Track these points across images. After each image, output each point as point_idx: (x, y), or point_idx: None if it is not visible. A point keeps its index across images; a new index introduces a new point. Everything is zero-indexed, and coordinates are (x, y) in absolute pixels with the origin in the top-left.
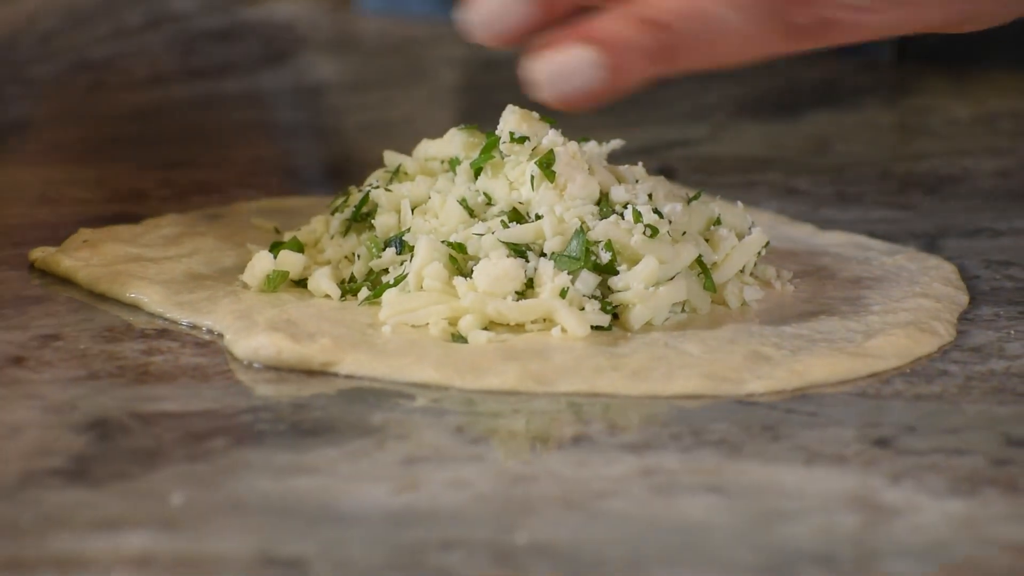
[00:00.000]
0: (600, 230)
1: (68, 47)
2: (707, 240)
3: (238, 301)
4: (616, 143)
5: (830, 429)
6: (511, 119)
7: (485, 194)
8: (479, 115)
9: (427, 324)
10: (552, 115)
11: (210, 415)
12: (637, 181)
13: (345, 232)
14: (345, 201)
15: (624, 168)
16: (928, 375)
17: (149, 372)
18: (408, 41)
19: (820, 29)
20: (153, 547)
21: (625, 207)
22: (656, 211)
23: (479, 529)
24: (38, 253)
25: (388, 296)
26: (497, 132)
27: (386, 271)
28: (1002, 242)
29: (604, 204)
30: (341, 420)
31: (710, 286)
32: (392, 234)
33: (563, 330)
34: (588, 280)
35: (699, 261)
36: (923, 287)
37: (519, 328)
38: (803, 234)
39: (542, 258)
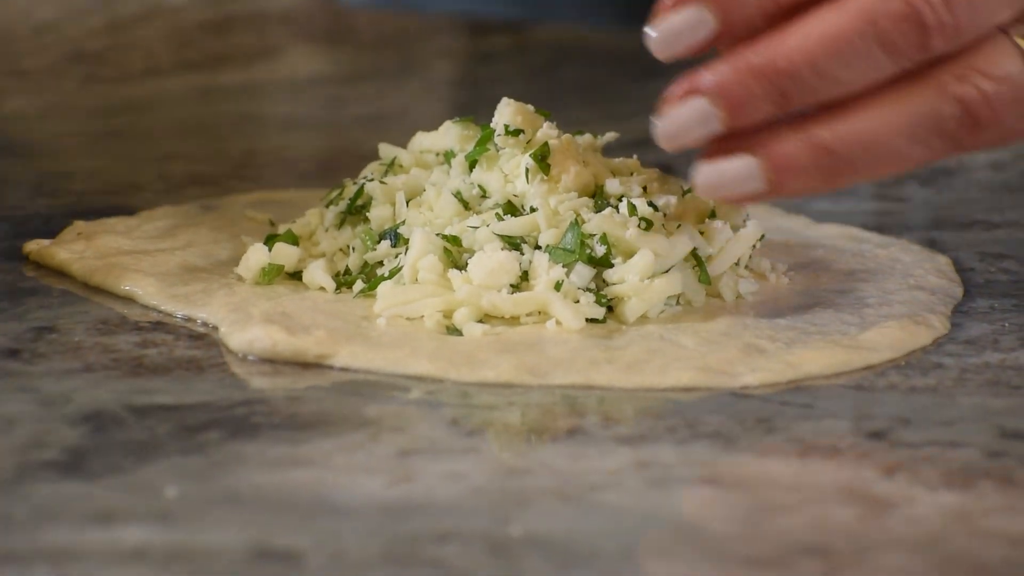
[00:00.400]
0: (595, 223)
1: (62, 39)
2: (702, 233)
3: (233, 294)
4: (611, 136)
5: (824, 422)
6: (506, 112)
7: (480, 187)
8: (473, 108)
9: (422, 317)
10: (547, 108)
11: (205, 408)
12: (632, 174)
13: (340, 225)
14: (340, 194)
15: (619, 161)
16: (923, 368)
17: (144, 365)
18: (402, 33)
19: (983, 144)
20: (148, 540)
21: (620, 200)
22: (651, 204)
23: (474, 521)
24: (33, 245)
25: (383, 289)
26: (492, 125)
27: (381, 264)
28: (997, 234)
29: (599, 197)
30: (336, 413)
31: (705, 279)
32: (387, 227)
33: (558, 323)
34: (583, 273)
35: (694, 254)
36: (917, 279)
37: (514, 321)
38: (798, 226)
39: (537, 251)
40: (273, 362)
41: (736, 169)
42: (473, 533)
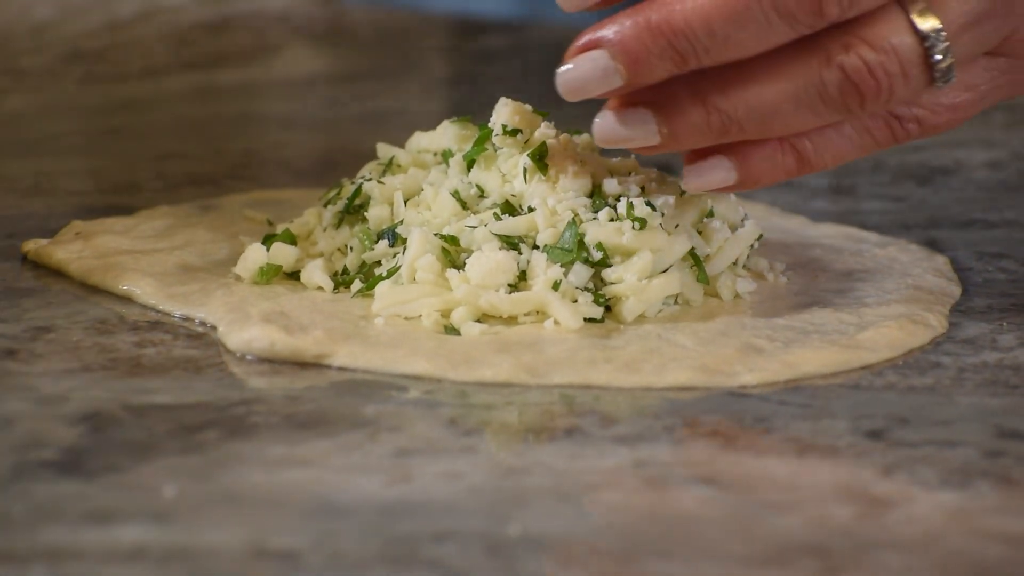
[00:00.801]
0: (591, 234)
1: (61, 38)
2: (700, 232)
3: (231, 293)
4: None
5: (822, 421)
6: (504, 111)
7: (478, 186)
8: (471, 107)
9: (420, 316)
10: (544, 107)
11: (203, 407)
12: (630, 173)
13: (338, 224)
14: (338, 193)
15: (617, 160)
16: (920, 367)
17: (142, 364)
18: (400, 33)
19: (904, 133)
20: (145, 539)
21: (618, 199)
22: (648, 203)
23: (472, 521)
24: (31, 245)
25: (381, 288)
26: (490, 124)
27: (379, 263)
28: (995, 234)
29: (597, 196)
30: (334, 412)
31: (703, 278)
32: (385, 226)
33: (556, 322)
34: (581, 272)
35: (692, 253)
36: (915, 279)
37: (512, 320)
38: (796, 226)
39: (535, 250)
40: (271, 362)
41: (633, 119)
42: (471, 533)
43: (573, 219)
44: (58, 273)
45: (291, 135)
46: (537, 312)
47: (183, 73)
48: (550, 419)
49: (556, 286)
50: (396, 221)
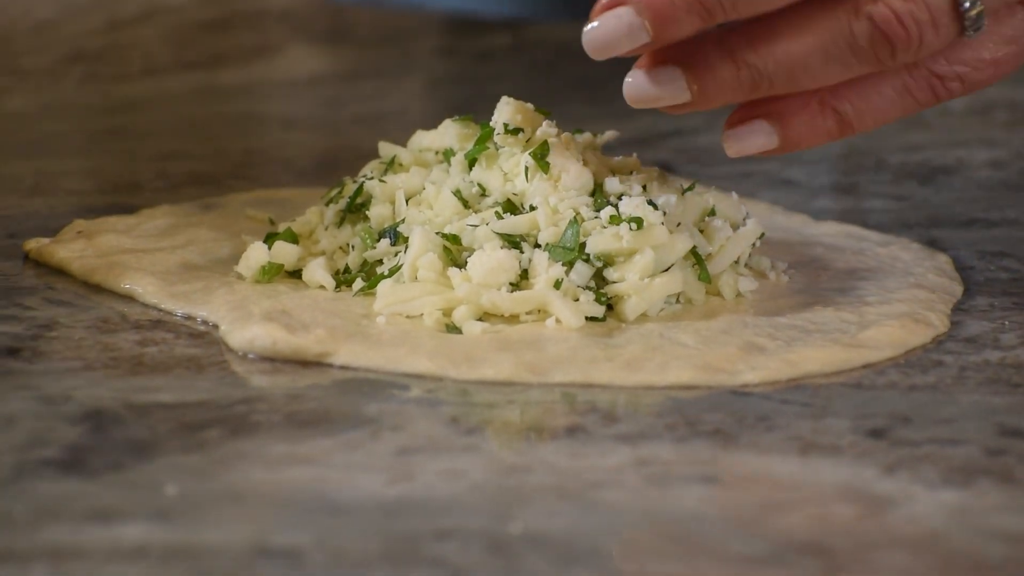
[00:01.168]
0: (592, 244)
1: (62, 38)
2: (702, 231)
3: (233, 292)
4: (610, 134)
5: (824, 420)
6: (505, 110)
7: (479, 185)
8: (473, 106)
9: (421, 315)
10: (546, 106)
11: (205, 406)
12: (632, 172)
13: (339, 223)
14: (339, 192)
15: (618, 159)
16: (922, 366)
17: (143, 363)
18: (401, 32)
19: (945, 91)
20: (148, 538)
21: (619, 198)
22: (650, 202)
23: (474, 519)
24: (32, 244)
25: (383, 287)
26: (491, 123)
27: (380, 262)
28: (996, 232)
29: (598, 195)
30: (336, 411)
31: (705, 277)
32: (386, 225)
33: (557, 321)
34: (582, 271)
35: (694, 252)
36: (917, 278)
37: (513, 319)
38: (797, 224)
39: (536, 249)
40: (273, 360)
41: (662, 78)
42: (473, 531)
43: (575, 218)
44: (60, 272)
45: (292, 134)
46: (539, 311)
47: (184, 73)
48: (552, 418)
49: (558, 285)
50: (398, 220)
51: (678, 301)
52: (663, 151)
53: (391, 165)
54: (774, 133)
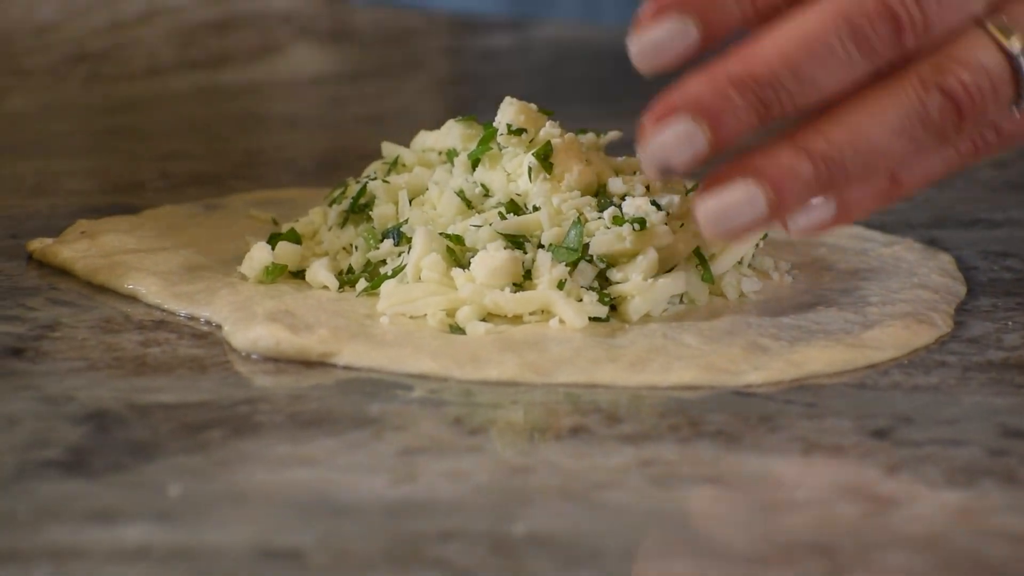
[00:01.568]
0: (595, 246)
1: (65, 38)
2: None
3: (236, 292)
4: (613, 134)
5: (828, 420)
6: (509, 110)
7: (482, 186)
8: (476, 106)
9: (425, 315)
10: (549, 106)
11: (208, 406)
12: (635, 172)
13: (343, 223)
14: (343, 192)
15: (622, 159)
16: (926, 366)
17: (146, 363)
18: (404, 32)
19: (985, 146)
20: (150, 538)
21: (623, 199)
22: (654, 202)
23: (477, 520)
24: (36, 244)
25: (386, 287)
26: (495, 123)
27: (384, 262)
28: (999, 233)
29: (602, 195)
30: (339, 411)
31: (708, 277)
32: (390, 225)
33: (561, 321)
34: (586, 271)
35: (697, 252)
36: (920, 278)
37: (517, 319)
38: None
39: (540, 249)
40: (276, 360)
41: (736, 195)
42: (476, 532)
43: (578, 218)
44: (63, 272)
45: (295, 134)
46: (542, 311)
47: (187, 73)
48: (555, 418)
49: (561, 285)
50: (401, 220)
51: (681, 301)
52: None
53: (394, 165)
54: (832, 203)
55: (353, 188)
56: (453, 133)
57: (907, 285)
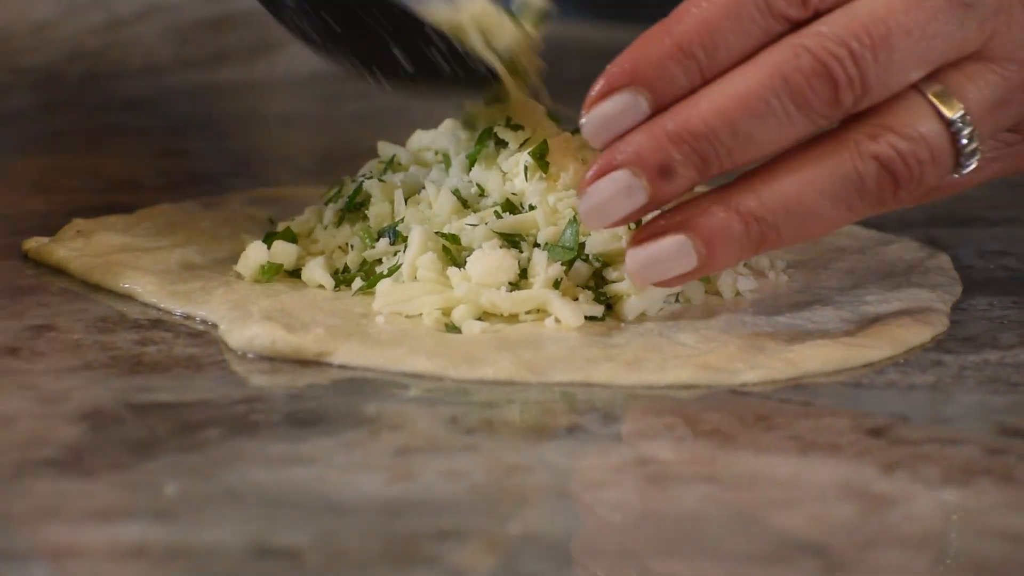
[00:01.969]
0: (591, 245)
1: (62, 36)
2: None
3: (232, 291)
4: None
5: (824, 419)
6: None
7: (478, 185)
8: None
9: (421, 314)
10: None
11: (204, 405)
12: None
13: (339, 222)
14: (339, 191)
15: None
16: (922, 365)
17: (143, 362)
18: None
19: (906, 203)
20: (147, 537)
21: None
22: None
23: (473, 519)
24: (31, 243)
25: (382, 286)
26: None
27: (380, 261)
28: (996, 231)
29: None
30: (335, 410)
31: (704, 277)
32: (386, 224)
33: (557, 320)
34: (581, 270)
35: None
36: (917, 277)
37: (513, 318)
38: None
39: (536, 249)
40: (272, 360)
41: (667, 248)
42: (472, 531)
43: (573, 218)
44: (59, 271)
45: (292, 133)
46: (538, 310)
47: (184, 71)
48: (551, 417)
49: (557, 284)
50: (397, 219)
51: (677, 300)
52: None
53: (390, 164)
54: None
55: (349, 187)
56: (450, 132)
57: (903, 284)
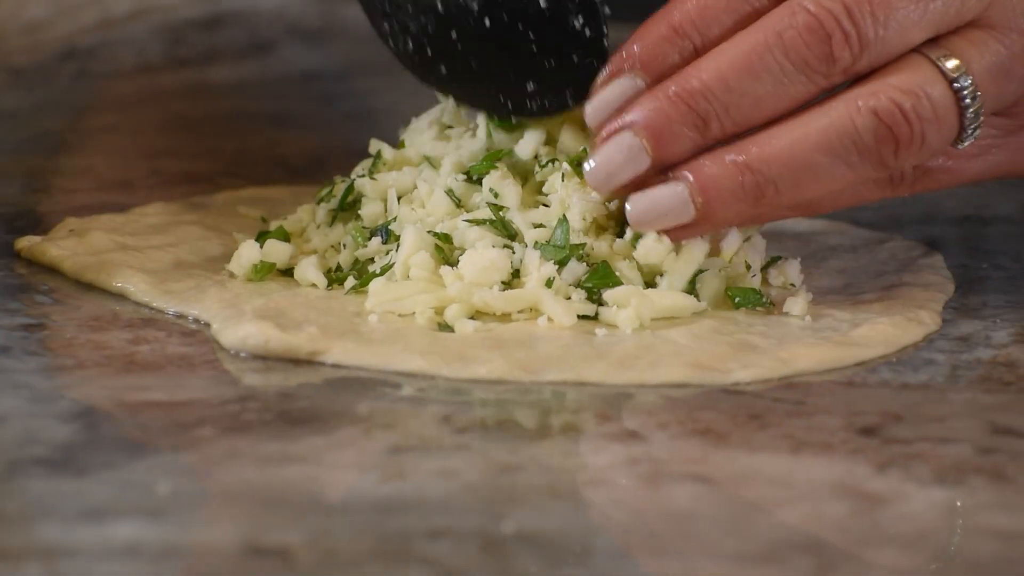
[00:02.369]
0: (597, 251)
1: (55, 36)
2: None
3: (225, 290)
4: None
5: (816, 418)
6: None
7: (491, 190)
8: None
9: (413, 313)
10: None
11: (197, 404)
12: None
13: (331, 221)
14: (331, 190)
15: None
16: (914, 364)
17: (135, 361)
18: None
19: (922, 177)
20: (140, 536)
21: None
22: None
23: (466, 518)
24: (24, 242)
25: (374, 285)
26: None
27: (372, 260)
28: (988, 231)
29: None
30: (328, 409)
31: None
32: (378, 223)
33: (549, 319)
34: (574, 270)
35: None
36: (909, 276)
37: (505, 317)
38: (790, 222)
39: (528, 248)
40: (265, 358)
41: (665, 196)
42: (465, 530)
43: (563, 217)
44: (52, 270)
45: (285, 132)
46: (531, 309)
47: (176, 70)
48: (544, 416)
49: (549, 283)
50: (390, 218)
51: None
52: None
53: (378, 160)
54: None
55: (341, 186)
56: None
57: (896, 283)
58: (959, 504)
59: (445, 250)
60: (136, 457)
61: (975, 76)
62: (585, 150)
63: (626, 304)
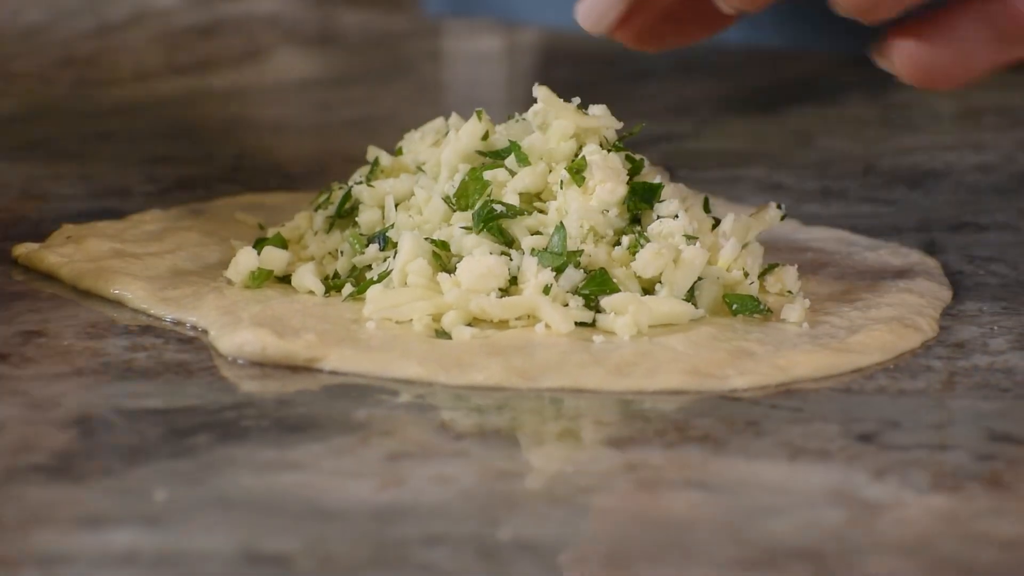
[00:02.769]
0: (641, 264)
1: (52, 42)
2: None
3: (222, 297)
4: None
5: (814, 425)
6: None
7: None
8: (463, 110)
9: (411, 320)
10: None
11: (194, 411)
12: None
13: (329, 228)
14: (328, 197)
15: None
16: (911, 371)
17: (133, 368)
18: (391, 35)
19: None
20: (137, 543)
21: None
22: (688, 236)
23: (464, 525)
24: (21, 249)
25: (372, 292)
26: (525, 116)
27: (370, 267)
28: (985, 237)
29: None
30: (325, 416)
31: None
32: (376, 230)
33: (547, 326)
34: (572, 276)
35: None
36: (906, 282)
37: (503, 324)
38: (787, 230)
39: (525, 255)
40: (262, 365)
41: None
42: (463, 537)
43: (560, 223)
44: (49, 277)
45: (282, 139)
46: (528, 316)
47: (174, 77)
48: (541, 423)
49: (547, 290)
50: (387, 225)
51: None
52: (654, 154)
53: (375, 166)
54: None
55: (339, 193)
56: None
57: (892, 289)
58: (956, 511)
59: (443, 257)
60: (133, 464)
61: None
62: (584, 159)
63: (624, 311)
